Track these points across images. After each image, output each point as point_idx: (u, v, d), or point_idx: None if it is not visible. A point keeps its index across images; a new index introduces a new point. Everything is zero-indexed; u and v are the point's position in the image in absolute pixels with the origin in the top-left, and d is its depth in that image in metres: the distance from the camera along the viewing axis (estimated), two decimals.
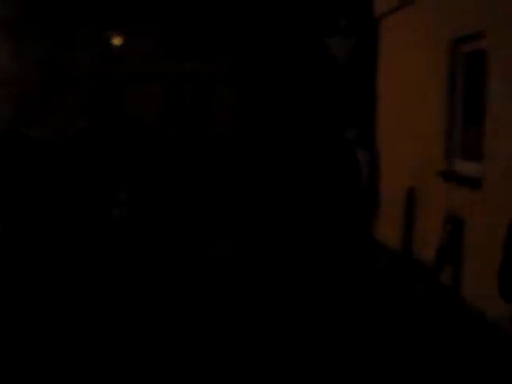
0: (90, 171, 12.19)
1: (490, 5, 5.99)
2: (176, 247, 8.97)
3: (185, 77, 29.81)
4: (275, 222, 11.31)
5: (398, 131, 8.74)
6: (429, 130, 7.53)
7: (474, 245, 6.31)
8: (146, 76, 29.63)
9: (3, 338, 5.45)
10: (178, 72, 29.73)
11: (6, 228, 8.12)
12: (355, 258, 7.99)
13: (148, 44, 29.70)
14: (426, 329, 5.87)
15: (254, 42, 11.92)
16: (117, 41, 29.77)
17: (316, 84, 12.31)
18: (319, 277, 7.57)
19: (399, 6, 8.68)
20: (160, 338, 5.49)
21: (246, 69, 22.39)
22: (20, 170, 12.19)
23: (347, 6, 11.13)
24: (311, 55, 12.22)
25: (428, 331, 5.80)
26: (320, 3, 12.25)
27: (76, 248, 8.68)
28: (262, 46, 11.81)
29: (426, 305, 6.59)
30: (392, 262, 8.12)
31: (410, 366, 5.04)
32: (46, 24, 27.43)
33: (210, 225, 11.05)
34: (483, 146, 6.15)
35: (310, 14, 12.39)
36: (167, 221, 10.95)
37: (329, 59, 10.87)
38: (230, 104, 29.50)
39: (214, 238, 9.82)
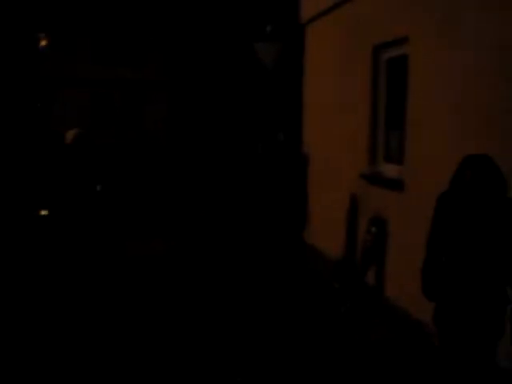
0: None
1: (412, 11, 6.15)
2: (100, 249, 8.80)
3: (113, 81, 29.71)
4: (206, 221, 11.34)
5: (324, 135, 8.87)
6: (354, 135, 7.67)
7: (397, 245, 6.48)
8: (74, 80, 29.41)
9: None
10: (106, 77, 29.60)
11: None
12: (282, 259, 8.05)
13: (76, 48, 29.47)
14: (347, 327, 5.98)
15: (185, 46, 11.86)
16: (44, 43, 29.26)
17: (244, 88, 12.35)
18: (242, 275, 7.67)
19: (324, 13, 8.82)
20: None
21: (177, 73, 22.26)
22: None
23: (275, 11, 11.22)
24: (240, 60, 12.25)
25: (350, 330, 5.91)
26: (249, 9, 12.31)
27: None
28: (193, 50, 11.79)
29: (352, 304, 6.71)
30: (321, 265, 8.22)
31: (330, 364, 5.11)
32: None
33: (137, 226, 10.94)
34: (404, 148, 6.32)
35: (239, 19, 12.43)
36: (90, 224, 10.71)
37: (257, 64, 10.95)
38: (160, 108, 29.41)
39: (141, 240, 9.77)
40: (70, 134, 6.88)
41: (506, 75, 4.66)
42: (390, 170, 6.89)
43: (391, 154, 7.01)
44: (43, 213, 6.92)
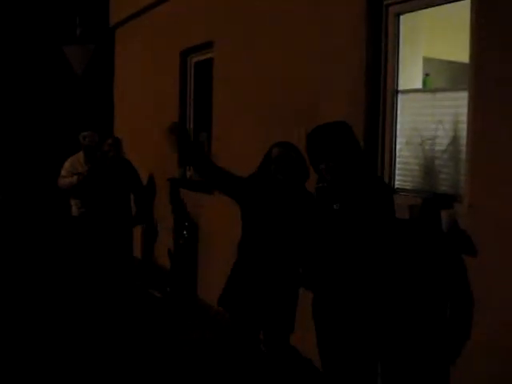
0: None
1: (216, 17, 6.25)
2: None
3: None
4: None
5: (136, 140, 8.71)
6: (165, 140, 7.60)
7: (206, 246, 6.53)
8: None
9: None
10: None
11: None
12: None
13: None
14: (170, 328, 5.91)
15: None
16: None
17: (54, 92, 11.81)
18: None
19: (132, 16, 8.70)
20: None
21: None
22: None
23: (86, 14, 10.87)
24: (49, 63, 11.70)
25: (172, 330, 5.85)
26: (59, 11, 11.80)
27: None
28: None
29: (165, 307, 6.65)
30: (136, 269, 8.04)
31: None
32: None
33: None
34: (211, 150, 6.39)
35: (48, 22, 11.87)
36: None
37: (67, 67, 10.53)
38: None
39: None
40: None
41: (289, 75, 4.90)
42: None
43: None
44: None
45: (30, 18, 12.06)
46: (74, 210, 7.10)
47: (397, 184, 4.14)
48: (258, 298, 3.73)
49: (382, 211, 3.24)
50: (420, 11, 3.98)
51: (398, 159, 4.13)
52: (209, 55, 6.59)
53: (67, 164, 7.11)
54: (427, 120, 3.91)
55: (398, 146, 4.12)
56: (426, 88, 4.25)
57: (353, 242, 3.20)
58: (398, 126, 4.11)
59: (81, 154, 7.14)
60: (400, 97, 4.09)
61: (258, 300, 3.73)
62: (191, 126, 7.21)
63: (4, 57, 11.79)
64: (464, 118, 3.53)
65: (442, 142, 3.78)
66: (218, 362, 5.04)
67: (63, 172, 7.08)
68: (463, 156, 3.58)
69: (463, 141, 3.58)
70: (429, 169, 3.91)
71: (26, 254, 8.90)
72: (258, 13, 5.47)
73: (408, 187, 4.06)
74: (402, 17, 4.05)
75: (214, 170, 3.79)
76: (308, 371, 4.56)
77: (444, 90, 4.06)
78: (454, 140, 3.70)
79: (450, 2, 3.68)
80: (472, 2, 3.42)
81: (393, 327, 3.61)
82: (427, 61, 4.33)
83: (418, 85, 4.22)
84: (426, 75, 4.31)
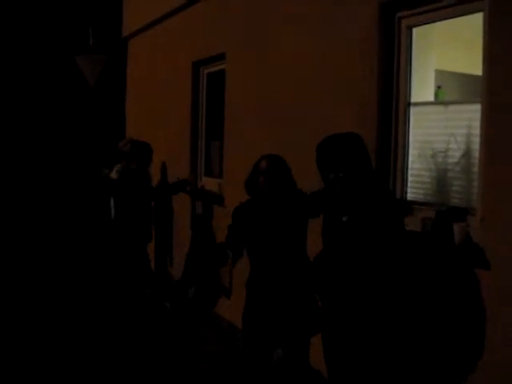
0: None
1: (230, 30, 6.27)
2: None
3: None
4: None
5: None
6: (177, 150, 7.64)
7: None
8: None
9: None
10: None
11: None
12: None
13: None
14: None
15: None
16: None
17: (66, 101, 11.90)
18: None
19: (146, 27, 8.76)
20: None
21: None
22: None
23: (99, 25, 10.97)
24: (62, 73, 11.80)
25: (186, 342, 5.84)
26: (72, 22, 11.92)
27: None
28: (8, 63, 11.22)
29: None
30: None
31: None
32: None
33: None
34: (223, 162, 6.40)
35: (62, 32, 11.98)
36: None
37: (80, 78, 10.62)
38: None
39: None
40: None
41: (301, 87, 4.90)
42: (210, 183, 6.94)
43: (212, 168, 7.07)
44: None
45: (44, 28, 12.18)
46: None
47: (409, 196, 4.13)
48: (274, 323, 3.72)
49: (392, 225, 3.22)
50: (433, 24, 3.98)
51: (410, 171, 4.12)
52: (221, 66, 6.62)
53: None
54: (439, 133, 3.90)
55: (410, 159, 4.11)
56: (438, 100, 4.24)
57: (361, 254, 3.18)
58: (411, 139, 4.10)
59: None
60: (412, 109, 4.08)
61: (274, 324, 3.72)
62: (203, 136, 7.23)
63: (18, 66, 11.90)
64: (476, 131, 3.52)
65: (455, 155, 3.77)
66: (229, 376, 5.04)
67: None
68: (476, 169, 3.57)
69: (476, 153, 3.56)
70: (441, 181, 3.90)
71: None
72: (271, 25, 5.49)
73: (420, 200, 4.04)
74: (414, 29, 4.05)
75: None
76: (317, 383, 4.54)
77: (456, 102, 4.05)
78: (467, 153, 3.69)
79: (463, 15, 3.68)
80: (485, 15, 3.42)
81: (402, 341, 3.57)
82: (439, 73, 4.33)
83: (430, 97, 4.21)
84: (438, 88, 4.31)
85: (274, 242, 3.71)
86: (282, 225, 3.72)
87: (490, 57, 3.33)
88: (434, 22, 3.94)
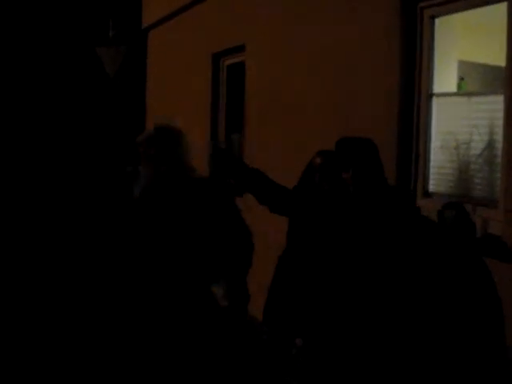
0: None
1: (248, 21, 6.27)
2: None
3: None
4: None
5: None
6: (197, 143, 7.65)
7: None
8: None
9: None
10: None
11: None
12: None
13: None
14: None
15: (19, 51, 11.24)
16: None
17: (86, 92, 11.96)
18: None
19: (165, 19, 8.77)
20: None
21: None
22: None
23: (119, 16, 11.01)
24: (82, 64, 11.86)
25: None
26: (92, 13, 11.96)
27: None
28: (27, 54, 11.28)
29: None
30: None
31: None
32: None
33: None
34: (243, 154, 6.40)
35: (82, 24, 12.04)
36: None
37: (100, 68, 10.67)
38: None
39: None
40: None
41: (323, 78, 4.87)
42: None
43: None
44: None
45: (64, 20, 12.24)
46: None
47: (430, 188, 4.11)
48: (299, 315, 3.70)
49: (403, 236, 3.18)
50: (455, 14, 3.95)
51: (432, 163, 4.10)
52: (241, 58, 6.62)
53: None
54: (462, 124, 3.87)
55: (432, 150, 4.09)
56: (461, 91, 4.21)
57: (372, 261, 3.14)
58: (433, 130, 4.08)
59: None
60: (434, 100, 4.06)
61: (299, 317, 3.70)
62: (223, 127, 7.24)
63: (39, 58, 11.98)
64: (500, 122, 3.49)
65: (477, 147, 3.74)
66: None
67: None
68: (499, 160, 3.54)
69: (499, 145, 3.53)
70: (463, 173, 3.87)
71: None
72: (291, 16, 5.47)
73: (442, 191, 4.02)
74: (437, 19, 4.02)
75: (261, 180, 3.56)
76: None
77: (479, 93, 4.03)
78: (490, 144, 3.66)
79: (486, 5, 3.65)
80: (509, 5, 3.39)
81: (411, 343, 3.47)
82: (462, 64, 4.29)
83: (453, 88, 4.18)
84: (461, 79, 4.28)
85: (326, 237, 3.61)
86: (338, 222, 3.60)
87: None
88: (456, 11, 3.91)
